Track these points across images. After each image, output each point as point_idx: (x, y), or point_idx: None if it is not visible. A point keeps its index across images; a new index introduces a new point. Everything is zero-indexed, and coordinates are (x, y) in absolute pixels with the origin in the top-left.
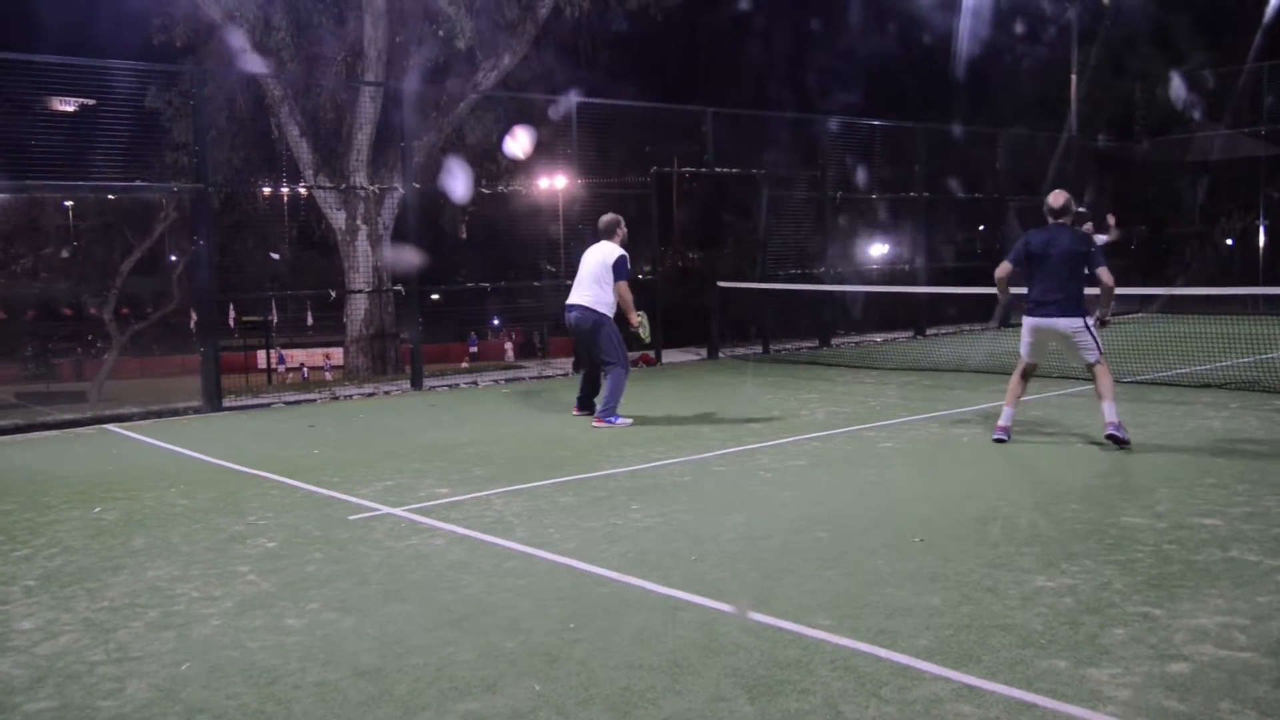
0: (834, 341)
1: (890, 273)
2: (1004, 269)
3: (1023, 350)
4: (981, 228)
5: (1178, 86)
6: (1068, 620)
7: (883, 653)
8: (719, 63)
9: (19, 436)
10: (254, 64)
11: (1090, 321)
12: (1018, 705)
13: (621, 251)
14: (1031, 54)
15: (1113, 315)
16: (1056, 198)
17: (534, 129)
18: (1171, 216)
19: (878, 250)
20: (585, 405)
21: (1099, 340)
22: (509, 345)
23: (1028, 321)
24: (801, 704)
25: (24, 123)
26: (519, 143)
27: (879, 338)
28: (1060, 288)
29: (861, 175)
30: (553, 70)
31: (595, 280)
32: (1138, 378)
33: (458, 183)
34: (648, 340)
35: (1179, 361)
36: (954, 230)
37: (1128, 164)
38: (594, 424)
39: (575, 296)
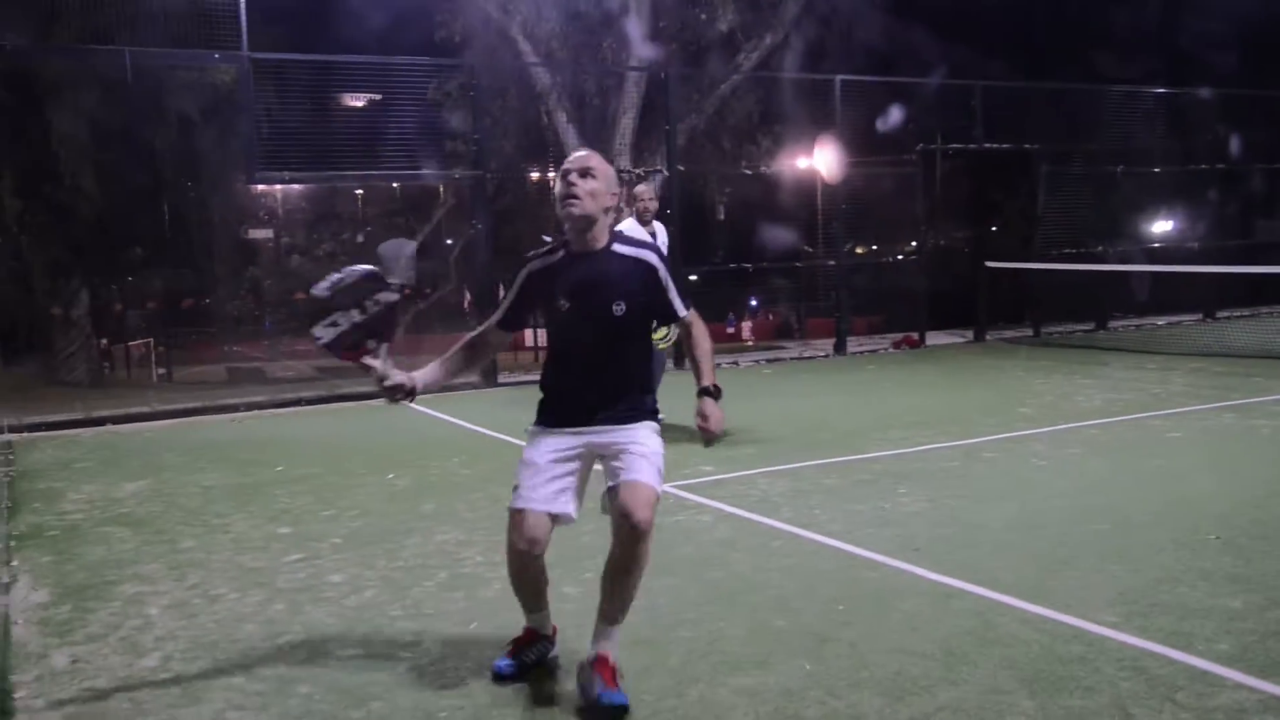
0: (1111, 325)
1: (1176, 250)
2: None
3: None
4: None
5: None
6: None
7: (1176, 655)
8: (998, 31)
9: (321, 407)
10: (525, 54)
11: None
12: None
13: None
14: None
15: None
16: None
17: (796, 109)
18: None
19: (1162, 227)
20: None
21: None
22: (747, 325)
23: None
24: (1087, 702)
25: (323, 118)
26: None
27: (1161, 320)
28: None
29: (1148, 146)
30: (816, 48)
31: None
32: None
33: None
34: (657, 344)
35: None
36: (1255, 204)
37: None
38: None
39: None
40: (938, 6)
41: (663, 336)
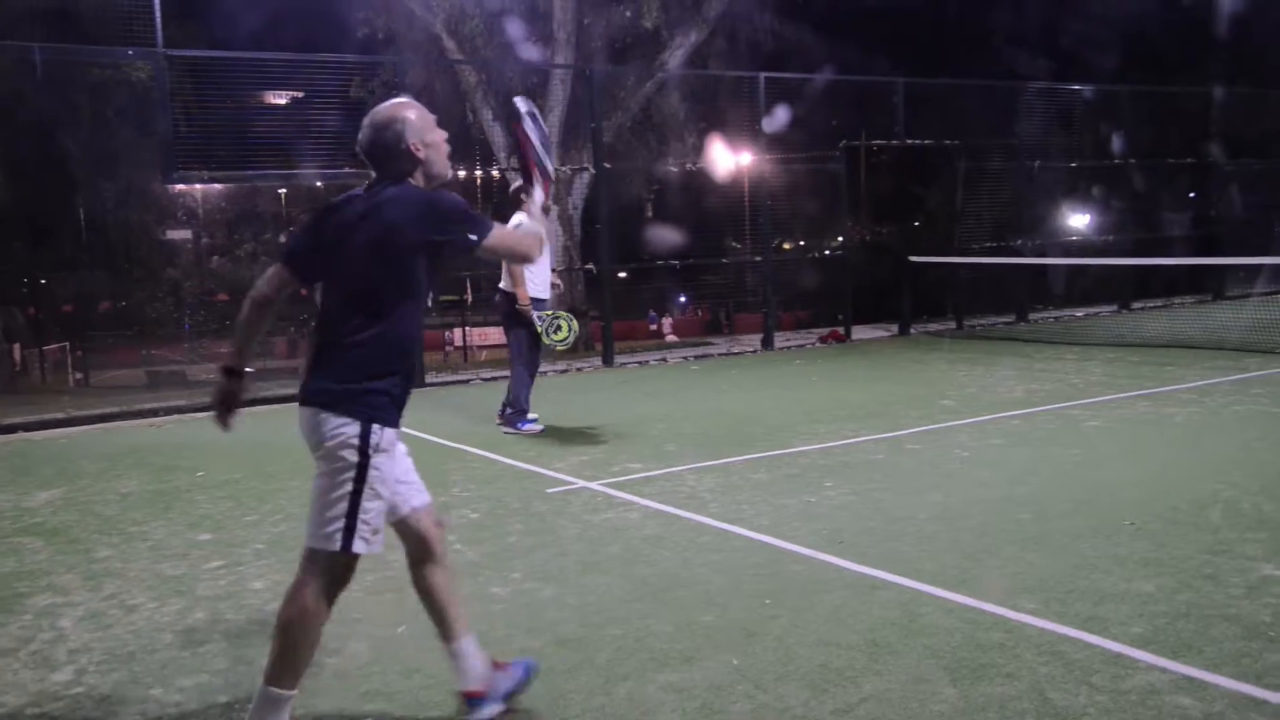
0: (1032, 316)
1: (1092, 244)
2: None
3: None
4: (1193, 194)
5: None
6: None
7: (1093, 639)
8: (916, 31)
9: (244, 410)
10: (450, 52)
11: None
12: (1245, 700)
13: (515, 219)
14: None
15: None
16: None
17: (720, 106)
18: None
19: (1079, 221)
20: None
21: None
22: (668, 322)
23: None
24: (1007, 689)
25: (243, 116)
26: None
27: (1080, 312)
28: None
29: (1063, 143)
30: (741, 45)
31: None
32: None
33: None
34: (552, 344)
35: None
36: (1164, 198)
37: None
38: (501, 429)
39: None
40: (856, 7)
41: (563, 339)
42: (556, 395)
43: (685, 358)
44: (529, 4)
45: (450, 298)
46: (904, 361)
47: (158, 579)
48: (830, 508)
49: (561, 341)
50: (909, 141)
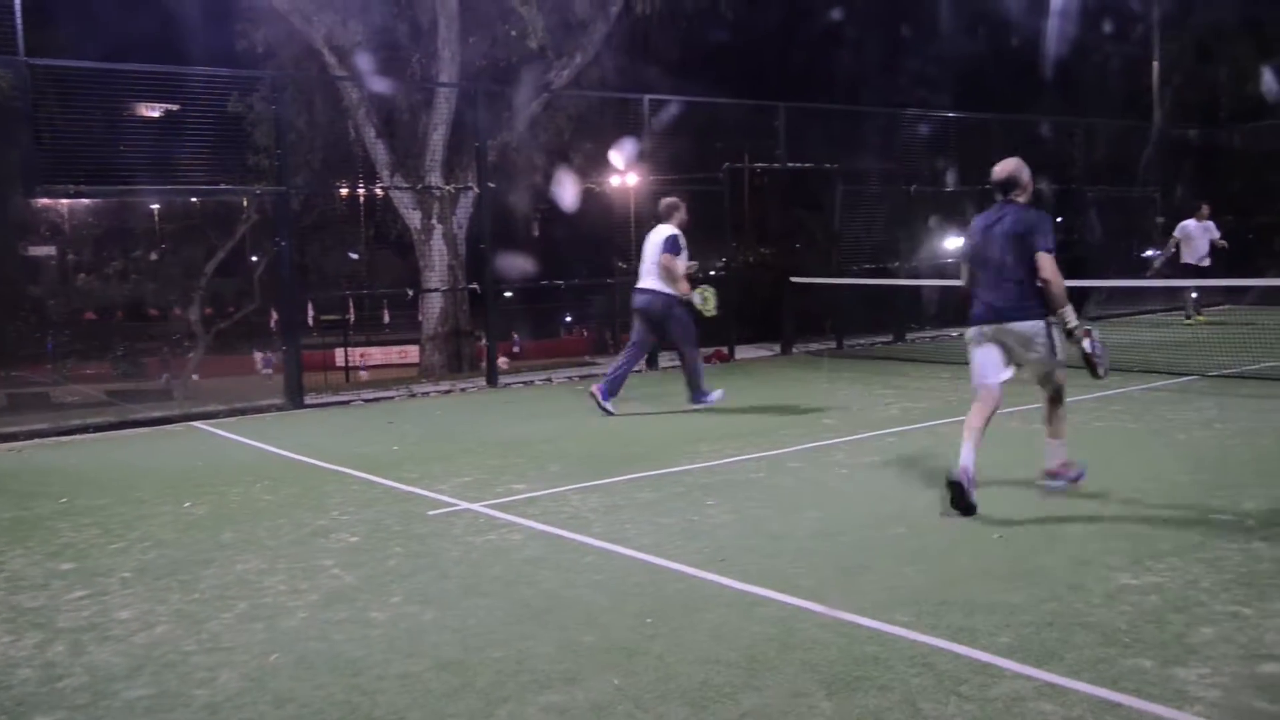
0: (909, 336)
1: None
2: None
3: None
4: (1060, 219)
5: (1269, 77)
6: (1154, 619)
7: (962, 650)
8: (801, 60)
9: (111, 433)
10: (332, 68)
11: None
12: (1102, 704)
13: (673, 230)
14: (1119, 45)
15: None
16: (1000, 168)
17: (605, 127)
18: (1261, 207)
19: (953, 244)
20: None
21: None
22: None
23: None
24: (880, 701)
25: (113, 129)
26: (621, 153)
27: (955, 332)
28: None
29: (937, 169)
30: (626, 68)
31: (655, 263)
32: (1224, 371)
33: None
34: (709, 313)
35: (1266, 354)
36: None
37: (1214, 154)
38: (693, 407)
39: (643, 282)
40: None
41: (713, 307)
42: (439, 416)
43: (571, 378)
44: (412, 20)
45: (331, 318)
46: (786, 381)
47: (13, 611)
48: (712, 526)
49: (712, 310)
50: (790, 164)
